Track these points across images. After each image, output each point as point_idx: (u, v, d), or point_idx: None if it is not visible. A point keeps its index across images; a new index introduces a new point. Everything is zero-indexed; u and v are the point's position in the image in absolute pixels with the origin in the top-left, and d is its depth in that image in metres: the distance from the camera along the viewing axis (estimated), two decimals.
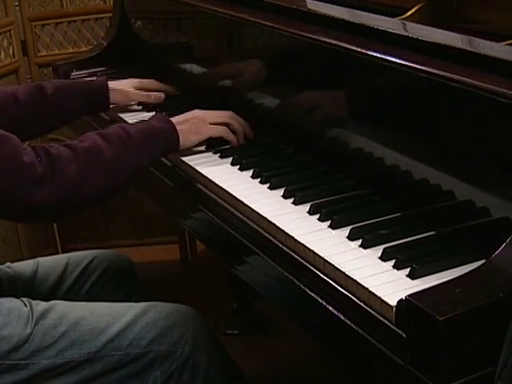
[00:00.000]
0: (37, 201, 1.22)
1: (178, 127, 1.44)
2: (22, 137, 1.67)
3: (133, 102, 1.80)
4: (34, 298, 1.42)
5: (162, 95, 1.80)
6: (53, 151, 1.26)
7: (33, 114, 1.58)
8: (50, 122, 1.64)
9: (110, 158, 1.30)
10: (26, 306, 1.33)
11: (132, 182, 1.42)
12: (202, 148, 1.53)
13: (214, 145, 1.53)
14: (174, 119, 1.47)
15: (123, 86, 1.77)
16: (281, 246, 1.19)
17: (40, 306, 1.34)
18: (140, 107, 1.82)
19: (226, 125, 1.52)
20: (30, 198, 1.22)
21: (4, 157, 1.21)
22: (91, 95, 1.69)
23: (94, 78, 1.84)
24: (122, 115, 1.77)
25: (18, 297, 1.38)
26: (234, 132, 1.53)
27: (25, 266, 1.54)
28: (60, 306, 1.35)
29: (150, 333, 1.33)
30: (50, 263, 1.56)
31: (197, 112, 1.52)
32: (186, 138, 1.46)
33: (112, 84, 1.73)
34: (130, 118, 1.74)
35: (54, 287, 1.52)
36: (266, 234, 1.23)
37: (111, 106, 1.74)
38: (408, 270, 1.03)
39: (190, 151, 1.51)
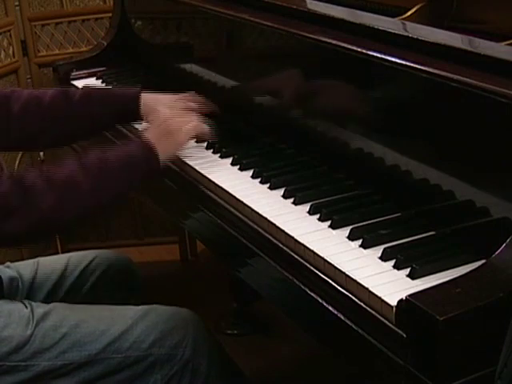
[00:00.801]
0: (8, 231, 1.22)
1: (156, 145, 1.34)
2: (41, 144, 1.62)
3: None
4: (34, 298, 1.42)
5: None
6: (27, 181, 1.23)
7: (55, 120, 1.51)
8: (73, 130, 1.56)
9: (86, 189, 1.27)
10: (26, 307, 1.33)
11: (113, 208, 1.38)
12: (203, 148, 1.53)
13: (214, 144, 1.52)
14: (149, 133, 1.39)
15: (157, 104, 1.55)
16: (281, 246, 1.19)
17: (41, 307, 1.34)
18: None
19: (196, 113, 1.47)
20: (3, 227, 1.21)
21: None
22: (120, 105, 1.57)
23: (128, 88, 1.66)
24: None
25: (18, 299, 1.39)
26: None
27: (25, 265, 1.54)
28: (61, 308, 1.35)
29: (151, 336, 1.33)
30: (50, 263, 1.56)
31: (166, 120, 1.44)
32: (165, 153, 1.37)
33: (146, 99, 1.56)
34: None
35: (55, 287, 1.52)
36: (266, 234, 1.23)
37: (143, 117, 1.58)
38: (408, 270, 1.03)
39: (190, 151, 1.51)
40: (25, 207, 1.22)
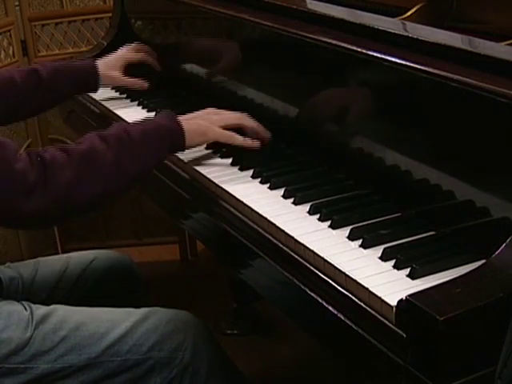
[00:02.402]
0: (28, 209, 1.19)
1: (184, 126, 1.38)
2: (18, 118, 1.77)
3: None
4: (34, 298, 1.42)
5: (145, 84, 1.87)
6: (46, 157, 1.21)
7: (29, 97, 1.63)
8: (45, 103, 1.71)
9: (107, 163, 1.25)
10: (26, 309, 1.33)
11: (137, 184, 1.37)
12: (203, 149, 1.53)
13: (215, 145, 1.52)
14: (183, 117, 1.41)
15: (111, 68, 1.83)
16: (281, 246, 1.19)
17: (40, 309, 1.33)
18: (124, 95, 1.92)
19: (238, 127, 1.46)
20: (22, 206, 1.18)
21: None
22: (82, 80, 1.76)
23: (84, 61, 1.89)
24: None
25: (18, 299, 1.38)
26: (244, 134, 1.47)
27: (25, 266, 1.54)
28: (60, 311, 1.34)
29: (150, 339, 1.32)
30: (50, 263, 1.56)
31: (208, 112, 1.47)
32: (191, 139, 1.39)
33: (100, 66, 1.80)
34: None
35: (55, 287, 1.52)
36: (266, 234, 1.23)
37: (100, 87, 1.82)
38: (408, 270, 1.03)
39: (190, 152, 1.51)
40: (45, 183, 1.19)
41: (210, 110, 1.49)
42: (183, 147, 1.40)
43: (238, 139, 1.45)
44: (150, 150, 1.33)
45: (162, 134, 1.36)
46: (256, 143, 1.47)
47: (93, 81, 1.78)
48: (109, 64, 1.84)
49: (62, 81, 1.70)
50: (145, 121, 1.39)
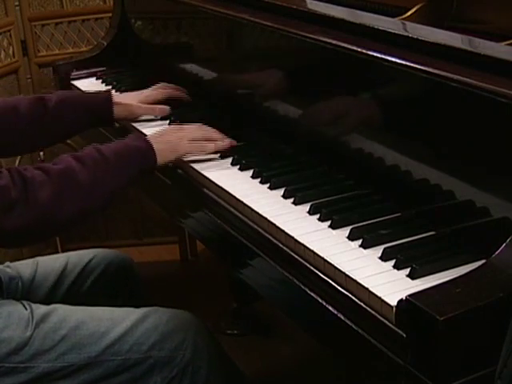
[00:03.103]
0: (9, 226, 1.21)
1: (154, 145, 1.40)
2: (21, 149, 1.69)
3: (138, 117, 1.72)
4: (33, 298, 1.42)
5: (167, 108, 1.72)
6: (27, 174, 1.24)
7: (33, 127, 1.55)
8: (51, 134, 1.61)
9: (84, 181, 1.28)
10: (26, 309, 1.33)
11: (113, 202, 1.37)
12: None
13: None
14: (151, 137, 1.43)
15: (128, 101, 1.70)
16: (281, 246, 1.19)
17: (40, 309, 1.34)
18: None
19: (205, 139, 1.48)
20: (3, 222, 1.20)
21: None
22: (94, 110, 1.64)
23: (99, 91, 1.78)
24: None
25: (17, 298, 1.38)
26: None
27: (24, 265, 1.54)
28: (60, 310, 1.35)
29: (151, 338, 1.33)
30: (49, 262, 1.56)
31: (173, 128, 1.51)
32: (163, 156, 1.41)
33: (116, 98, 1.68)
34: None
35: (54, 286, 1.52)
36: (266, 234, 1.23)
37: (115, 121, 1.69)
38: (408, 270, 1.03)
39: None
40: (25, 200, 1.22)
41: (172, 126, 1.52)
42: (154, 165, 1.41)
43: (209, 147, 1.47)
44: (123, 168, 1.35)
45: (133, 153, 1.37)
46: (227, 143, 1.48)
47: (106, 112, 1.65)
48: (126, 96, 1.75)
49: (71, 111, 1.60)
50: (117, 142, 1.41)
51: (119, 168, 1.34)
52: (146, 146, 1.39)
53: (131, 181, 1.38)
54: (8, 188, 1.21)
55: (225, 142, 1.48)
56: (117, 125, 1.74)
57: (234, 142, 1.50)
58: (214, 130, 1.50)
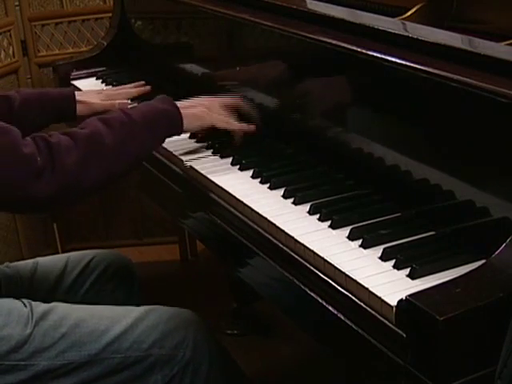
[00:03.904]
0: (38, 192, 1.21)
1: (182, 110, 1.42)
2: None
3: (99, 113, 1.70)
4: (33, 298, 1.42)
5: (127, 102, 1.74)
6: (52, 140, 1.25)
7: None
8: None
9: (111, 144, 1.29)
10: (26, 306, 1.33)
11: (139, 166, 1.40)
12: (203, 148, 1.53)
13: (214, 144, 1.52)
14: (180, 103, 1.45)
15: (90, 99, 1.71)
16: (281, 246, 1.19)
17: (40, 307, 1.34)
18: None
19: (235, 108, 1.51)
20: (31, 189, 1.21)
21: (4, 149, 1.20)
22: (57, 107, 1.66)
23: (63, 88, 1.81)
24: None
25: (17, 297, 1.38)
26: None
27: (24, 265, 1.54)
28: (60, 308, 1.35)
29: (151, 336, 1.33)
30: (49, 263, 1.56)
31: (204, 99, 1.51)
32: (188, 122, 1.43)
33: (79, 96, 1.68)
34: None
35: (54, 287, 1.52)
36: (266, 234, 1.23)
37: (77, 118, 1.68)
38: (408, 270, 1.03)
39: (190, 151, 1.51)
40: (51, 166, 1.22)
41: (203, 97, 1.52)
42: (181, 130, 1.43)
43: (235, 124, 1.50)
44: (150, 131, 1.36)
45: (161, 116, 1.40)
46: (252, 127, 1.51)
47: (69, 110, 1.66)
48: (89, 93, 1.77)
49: (35, 110, 1.60)
50: (144, 105, 1.43)
51: (146, 131, 1.35)
52: (173, 110, 1.41)
53: (158, 144, 1.41)
54: (34, 156, 1.21)
55: (250, 127, 1.51)
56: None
57: (254, 129, 1.52)
58: (246, 106, 1.53)
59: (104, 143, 1.28)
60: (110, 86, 1.98)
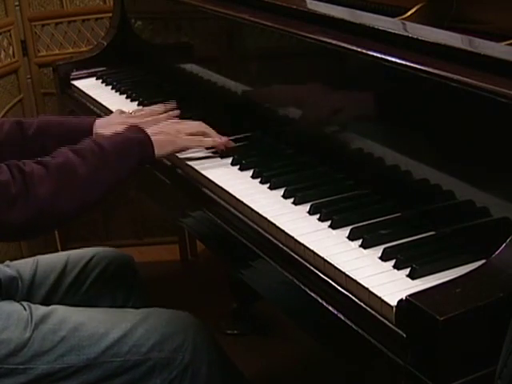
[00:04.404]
0: (9, 220, 1.22)
1: (152, 137, 1.40)
2: None
3: None
4: (33, 297, 1.42)
5: None
6: (26, 169, 1.25)
7: (10, 153, 1.47)
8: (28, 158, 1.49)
9: (83, 175, 1.28)
10: (25, 310, 1.33)
11: (112, 194, 1.38)
12: (203, 148, 1.53)
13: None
14: (149, 130, 1.43)
15: (111, 129, 1.53)
16: (281, 246, 1.19)
17: (40, 310, 1.34)
18: None
19: (202, 134, 1.48)
20: (5, 216, 1.21)
21: None
22: (74, 139, 1.50)
23: (84, 118, 1.66)
24: None
25: (17, 298, 1.38)
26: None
27: (24, 264, 1.54)
28: (60, 311, 1.35)
29: (150, 340, 1.32)
30: (49, 261, 1.56)
31: (171, 122, 1.51)
32: (161, 148, 1.42)
33: (99, 128, 1.56)
34: None
35: (54, 286, 1.52)
36: (266, 234, 1.23)
37: None
38: (408, 270, 1.03)
39: (190, 151, 1.51)
40: (25, 195, 1.22)
41: (172, 120, 1.52)
42: (153, 157, 1.41)
43: (208, 141, 1.48)
44: (122, 160, 1.35)
45: (131, 145, 1.38)
46: (225, 139, 1.49)
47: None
48: (109, 123, 1.60)
49: (50, 139, 1.52)
50: (114, 135, 1.41)
51: (118, 160, 1.34)
52: (144, 138, 1.40)
53: (130, 172, 1.39)
54: (8, 183, 1.22)
55: (222, 139, 1.49)
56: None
57: (232, 143, 1.51)
58: (211, 130, 1.50)
59: (76, 173, 1.28)
60: (110, 87, 1.98)
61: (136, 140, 1.39)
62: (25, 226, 1.25)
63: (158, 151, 1.41)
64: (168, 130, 1.46)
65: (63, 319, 1.32)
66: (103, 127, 1.56)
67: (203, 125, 1.51)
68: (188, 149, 1.48)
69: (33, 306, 1.35)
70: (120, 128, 1.51)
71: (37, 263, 1.54)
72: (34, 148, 1.50)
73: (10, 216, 1.22)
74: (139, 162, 1.39)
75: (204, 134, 1.49)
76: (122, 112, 1.68)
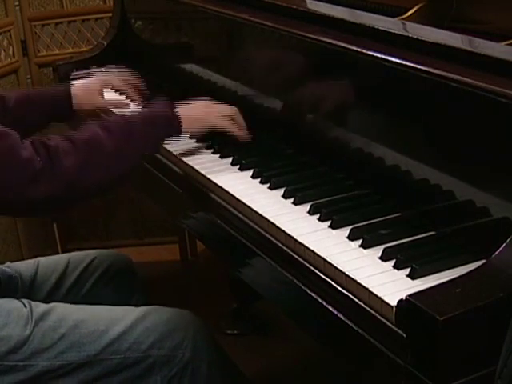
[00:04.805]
0: (36, 195, 1.22)
1: (181, 113, 1.42)
2: None
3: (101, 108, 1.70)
4: (34, 299, 1.42)
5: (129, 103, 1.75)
6: (51, 144, 1.25)
7: None
8: None
9: (110, 149, 1.29)
10: (25, 307, 1.33)
11: (135, 169, 1.39)
12: (203, 148, 1.53)
13: (214, 144, 1.53)
14: (180, 105, 1.45)
15: (89, 93, 1.67)
16: (281, 246, 1.19)
17: (40, 307, 1.34)
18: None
19: (231, 119, 1.50)
20: (30, 193, 1.22)
21: (3, 153, 1.21)
22: (53, 106, 1.63)
23: (59, 85, 1.76)
24: None
25: (17, 298, 1.38)
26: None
27: (25, 265, 1.54)
28: (60, 308, 1.35)
29: (150, 337, 1.33)
30: (50, 263, 1.56)
31: (204, 101, 1.52)
32: (189, 124, 1.44)
33: (77, 91, 1.65)
34: None
35: (55, 287, 1.52)
36: (266, 234, 1.23)
37: (76, 113, 1.66)
38: (408, 270, 1.03)
39: (190, 151, 1.51)
40: (50, 170, 1.23)
41: (203, 101, 1.52)
42: (180, 132, 1.43)
43: (234, 128, 1.50)
44: (148, 136, 1.37)
45: (159, 119, 1.40)
46: (248, 136, 1.51)
47: (65, 109, 1.63)
48: (87, 88, 1.70)
49: (29, 108, 1.58)
50: (143, 108, 1.45)
51: (144, 135, 1.36)
52: (172, 113, 1.42)
53: (156, 147, 1.42)
54: (32, 159, 1.22)
55: (247, 133, 1.51)
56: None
57: (249, 138, 1.52)
58: (241, 118, 1.52)
59: (103, 147, 1.29)
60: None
61: (164, 115, 1.41)
62: (50, 201, 1.25)
63: (186, 127, 1.43)
64: (198, 107, 1.48)
65: (63, 316, 1.33)
66: (81, 94, 1.64)
67: (235, 109, 1.52)
68: (215, 128, 1.49)
69: (33, 303, 1.35)
70: (96, 93, 1.64)
71: (38, 264, 1.55)
72: (16, 119, 1.52)
73: (37, 191, 1.22)
74: (166, 136, 1.41)
75: (234, 120, 1.50)
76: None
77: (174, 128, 1.42)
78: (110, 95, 1.77)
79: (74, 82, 1.71)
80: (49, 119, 1.65)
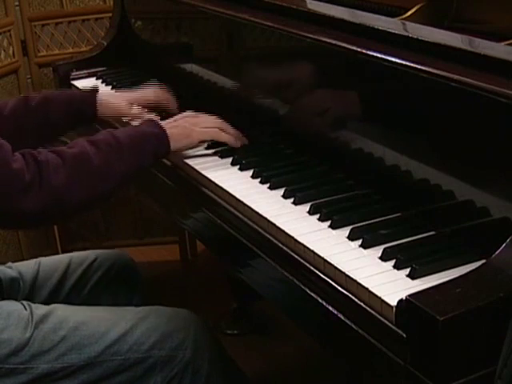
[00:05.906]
0: (24, 208, 1.22)
1: (168, 131, 1.42)
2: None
3: (125, 118, 1.67)
4: (35, 299, 1.42)
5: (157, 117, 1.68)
6: (41, 158, 1.25)
7: (16, 127, 1.51)
8: (35, 134, 1.55)
9: (98, 165, 1.29)
10: (26, 309, 1.33)
11: (125, 186, 1.40)
12: (203, 148, 1.53)
13: (214, 145, 1.53)
14: (164, 123, 1.45)
15: (114, 98, 1.67)
16: (281, 246, 1.19)
17: (40, 309, 1.34)
18: None
19: (219, 128, 1.50)
20: (18, 205, 1.22)
21: None
22: (77, 106, 1.61)
23: (86, 89, 1.77)
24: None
25: (18, 299, 1.38)
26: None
27: (26, 266, 1.54)
28: (60, 310, 1.35)
29: (151, 338, 1.33)
30: (51, 263, 1.56)
31: (187, 115, 1.51)
32: (176, 141, 1.43)
33: (102, 95, 1.64)
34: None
35: (56, 287, 1.52)
36: (266, 234, 1.23)
37: (99, 119, 1.65)
38: (408, 270, 1.03)
39: (190, 152, 1.51)
40: (39, 183, 1.23)
41: (188, 113, 1.52)
42: (168, 151, 1.42)
43: (223, 136, 1.49)
44: (137, 154, 1.36)
45: (147, 138, 1.39)
46: (241, 141, 1.51)
47: (89, 108, 1.61)
48: (113, 95, 1.72)
49: (53, 108, 1.56)
50: (130, 128, 1.44)
51: (133, 153, 1.35)
52: (159, 132, 1.41)
53: (145, 165, 1.40)
54: (22, 171, 1.22)
55: (237, 134, 1.50)
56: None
57: (245, 140, 1.52)
58: (230, 128, 1.52)
59: (91, 163, 1.29)
60: (110, 87, 1.98)
61: (152, 134, 1.40)
62: (38, 214, 1.25)
63: (174, 145, 1.42)
64: (184, 123, 1.47)
65: (63, 318, 1.33)
66: (106, 97, 1.64)
67: (219, 120, 1.51)
68: (204, 141, 1.49)
69: (33, 305, 1.35)
70: (123, 101, 1.61)
71: (39, 265, 1.55)
72: (38, 119, 1.53)
73: (25, 203, 1.22)
74: (154, 155, 1.40)
75: (221, 128, 1.50)
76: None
77: (163, 146, 1.41)
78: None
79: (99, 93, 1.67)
80: (71, 120, 1.61)
